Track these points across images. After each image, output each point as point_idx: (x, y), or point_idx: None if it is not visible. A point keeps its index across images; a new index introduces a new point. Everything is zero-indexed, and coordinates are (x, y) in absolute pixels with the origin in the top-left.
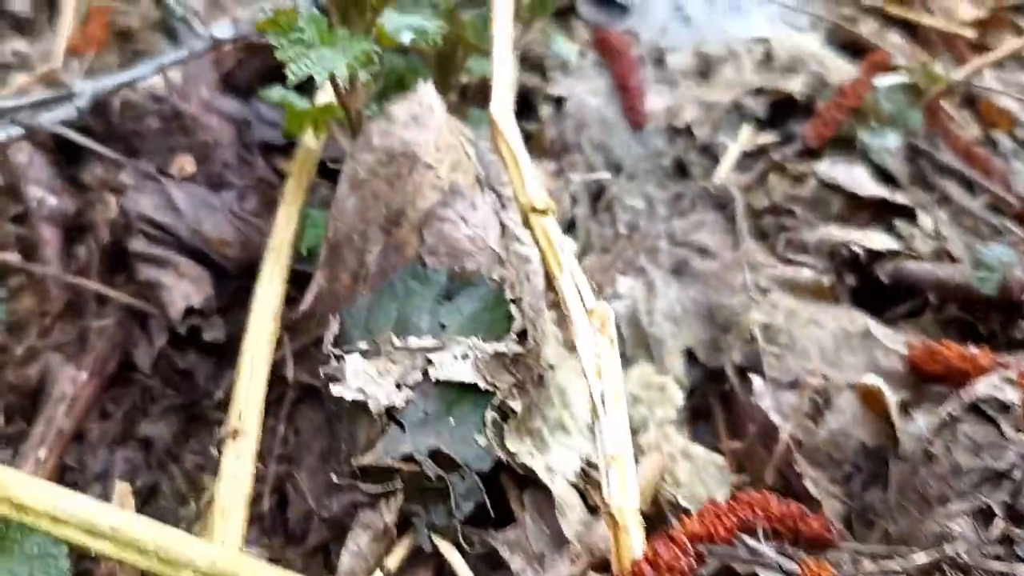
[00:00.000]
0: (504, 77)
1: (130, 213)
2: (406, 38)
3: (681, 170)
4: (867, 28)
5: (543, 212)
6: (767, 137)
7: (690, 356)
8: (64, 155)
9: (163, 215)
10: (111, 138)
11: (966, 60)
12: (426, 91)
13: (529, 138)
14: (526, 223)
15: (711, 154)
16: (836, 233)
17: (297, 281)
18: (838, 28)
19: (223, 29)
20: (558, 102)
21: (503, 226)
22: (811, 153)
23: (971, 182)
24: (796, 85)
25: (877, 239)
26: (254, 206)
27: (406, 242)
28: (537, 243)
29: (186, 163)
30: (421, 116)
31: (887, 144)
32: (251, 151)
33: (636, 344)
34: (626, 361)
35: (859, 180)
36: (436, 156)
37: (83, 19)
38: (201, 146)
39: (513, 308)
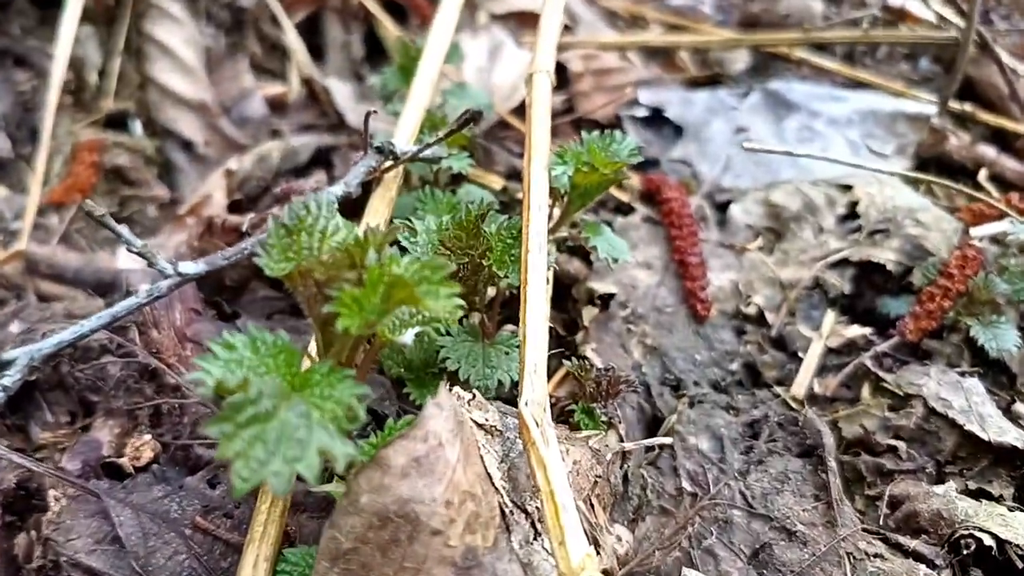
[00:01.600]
0: (536, 353)
1: (59, 554)
2: (409, 338)
3: (753, 374)
4: (958, 142)
5: None
6: (855, 330)
7: None
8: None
9: (100, 556)
10: (61, 388)
11: None
12: (434, 418)
13: (562, 367)
14: None
15: (788, 350)
16: (957, 504)
17: None
18: (925, 147)
19: (192, 264)
20: (604, 300)
21: None
22: (909, 347)
23: None
24: (889, 254)
25: (1012, 523)
26: (228, 488)
27: None
28: None
29: (144, 447)
30: (426, 459)
31: (1007, 346)
32: None
33: None
34: None
35: (978, 411)
36: (445, 515)
37: (68, 158)
38: (169, 397)
39: None
